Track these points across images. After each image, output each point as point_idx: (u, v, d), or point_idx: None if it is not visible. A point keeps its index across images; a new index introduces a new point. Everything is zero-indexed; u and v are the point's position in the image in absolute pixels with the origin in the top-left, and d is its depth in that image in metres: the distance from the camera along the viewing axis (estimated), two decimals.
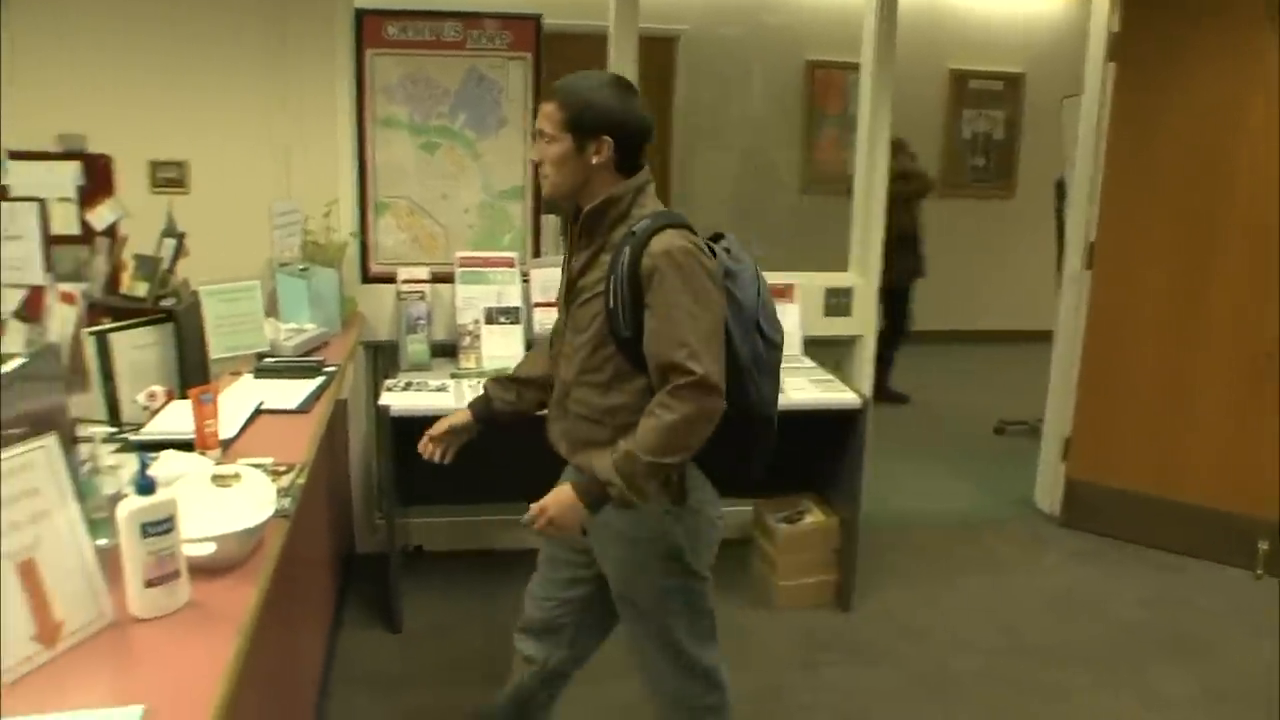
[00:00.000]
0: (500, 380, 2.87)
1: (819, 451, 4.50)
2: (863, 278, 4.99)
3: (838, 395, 4.24)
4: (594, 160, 2.37)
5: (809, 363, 4.64)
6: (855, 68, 5.01)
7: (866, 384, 4.92)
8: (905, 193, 7.40)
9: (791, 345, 4.53)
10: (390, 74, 4.45)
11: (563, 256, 2.62)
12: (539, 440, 4.18)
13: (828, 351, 4.88)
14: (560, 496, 2.43)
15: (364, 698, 3.71)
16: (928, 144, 8.57)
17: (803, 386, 4.27)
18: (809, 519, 4.49)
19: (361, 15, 4.40)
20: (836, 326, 4.97)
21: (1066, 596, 4.67)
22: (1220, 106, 4.80)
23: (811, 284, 4.87)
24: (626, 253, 2.31)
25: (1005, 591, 4.70)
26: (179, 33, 4.29)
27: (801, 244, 5.63)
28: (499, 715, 2.99)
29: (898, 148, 7.89)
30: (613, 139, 2.36)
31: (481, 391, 2.90)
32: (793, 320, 4.63)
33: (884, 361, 6.85)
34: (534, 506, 2.45)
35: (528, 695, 2.92)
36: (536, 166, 2.48)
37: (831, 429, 4.34)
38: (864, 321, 5.01)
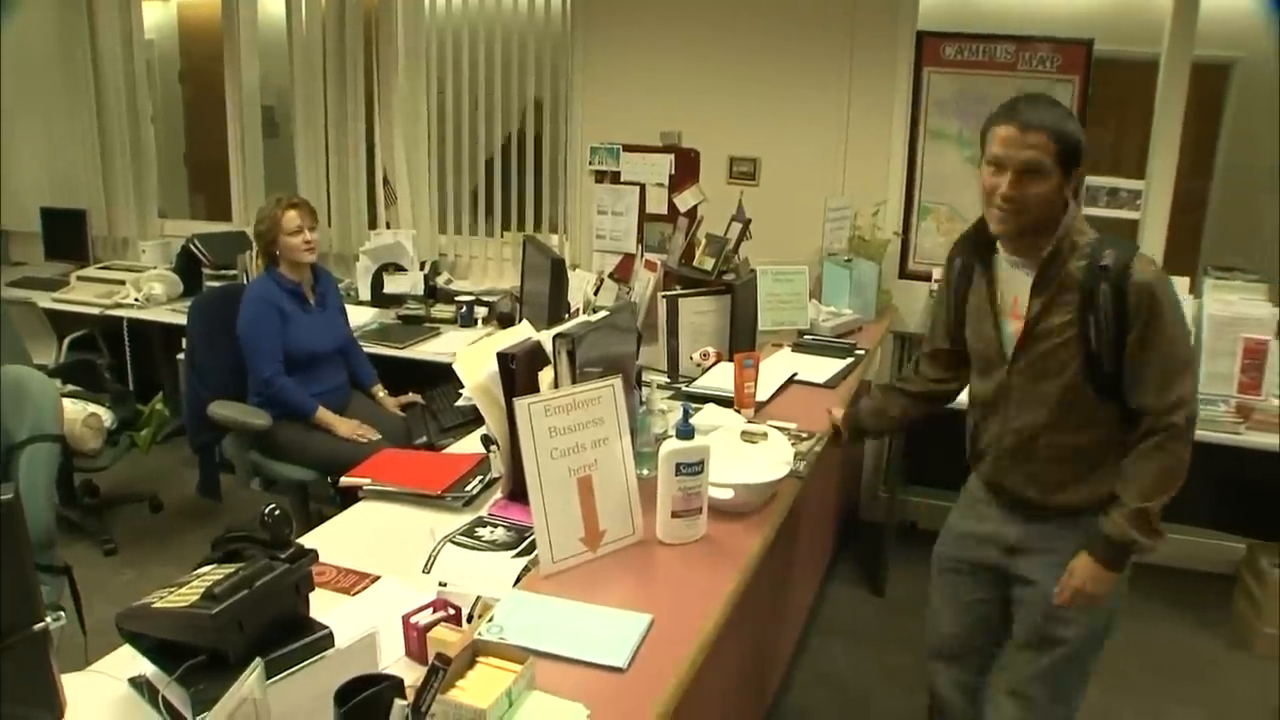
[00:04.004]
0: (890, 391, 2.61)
1: None
2: None
3: None
4: (1068, 194, 2.05)
5: None
6: None
7: None
8: None
9: None
10: (944, 90, 4.38)
11: (975, 297, 2.24)
12: None
13: None
14: (1088, 570, 2.12)
15: (839, 647, 3.74)
16: None
17: None
18: None
19: (922, 37, 4.37)
20: None
21: None
22: None
23: None
24: (1106, 289, 2.00)
25: None
26: (760, 48, 4.52)
27: None
28: None
29: None
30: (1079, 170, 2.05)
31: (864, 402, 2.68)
32: None
33: None
34: (1063, 586, 2.16)
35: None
36: (989, 195, 2.03)
37: None
38: None
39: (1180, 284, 4.15)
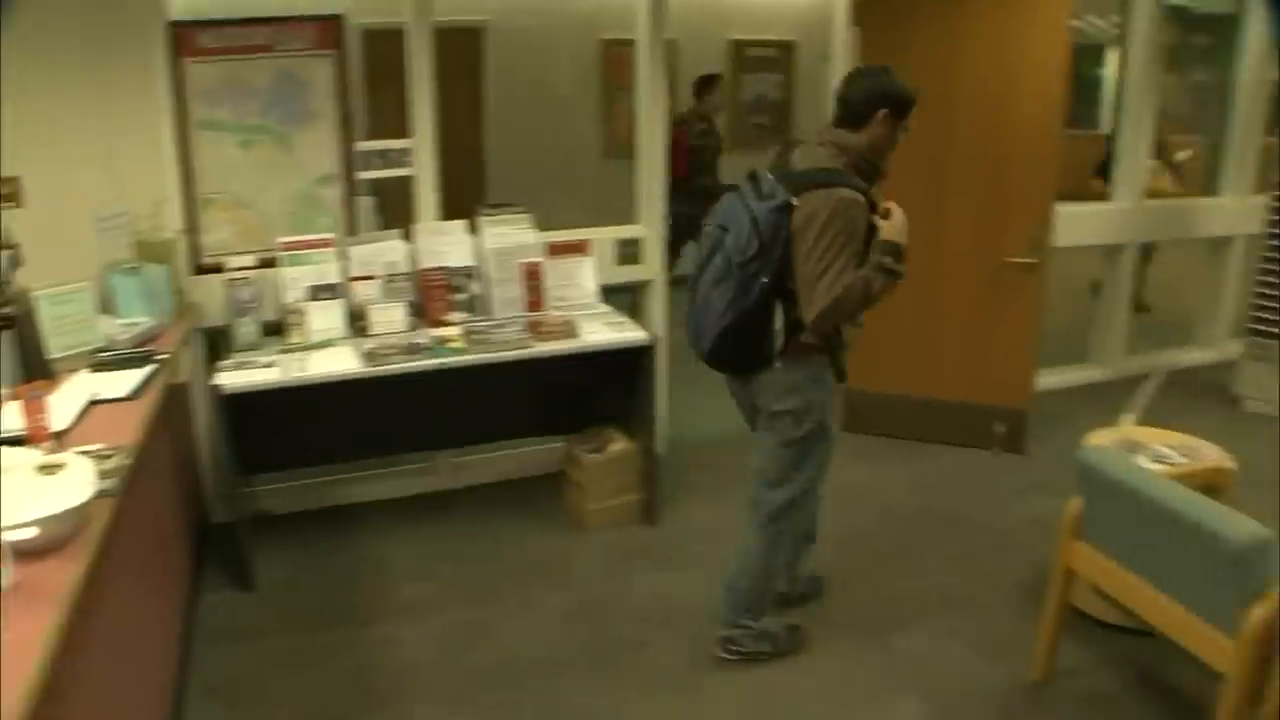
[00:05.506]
0: None
1: (619, 387, 4.60)
2: (649, 229, 5.07)
3: (630, 334, 4.37)
4: None
5: (604, 308, 4.70)
6: None
7: (660, 324, 5.03)
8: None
9: (587, 294, 4.69)
10: (206, 79, 4.34)
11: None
12: (368, 403, 4.23)
13: (624, 297, 5.04)
14: None
15: (225, 649, 3.71)
16: None
17: (598, 329, 4.36)
18: (613, 447, 4.57)
19: (175, 27, 4.26)
20: (629, 274, 5.04)
21: (848, 489, 4.81)
22: (938, 59, 5.09)
23: (604, 237, 4.94)
24: None
25: None
26: (8, 62, 4.04)
27: (607, 204, 5.61)
28: None
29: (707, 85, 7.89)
30: None
31: None
32: (588, 272, 4.73)
33: None
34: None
35: None
36: (894, 147, 3.28)
37: (627, 365, 4.43)
38: (653, 267, 5.09)
39: (459, 225, 4.60)
